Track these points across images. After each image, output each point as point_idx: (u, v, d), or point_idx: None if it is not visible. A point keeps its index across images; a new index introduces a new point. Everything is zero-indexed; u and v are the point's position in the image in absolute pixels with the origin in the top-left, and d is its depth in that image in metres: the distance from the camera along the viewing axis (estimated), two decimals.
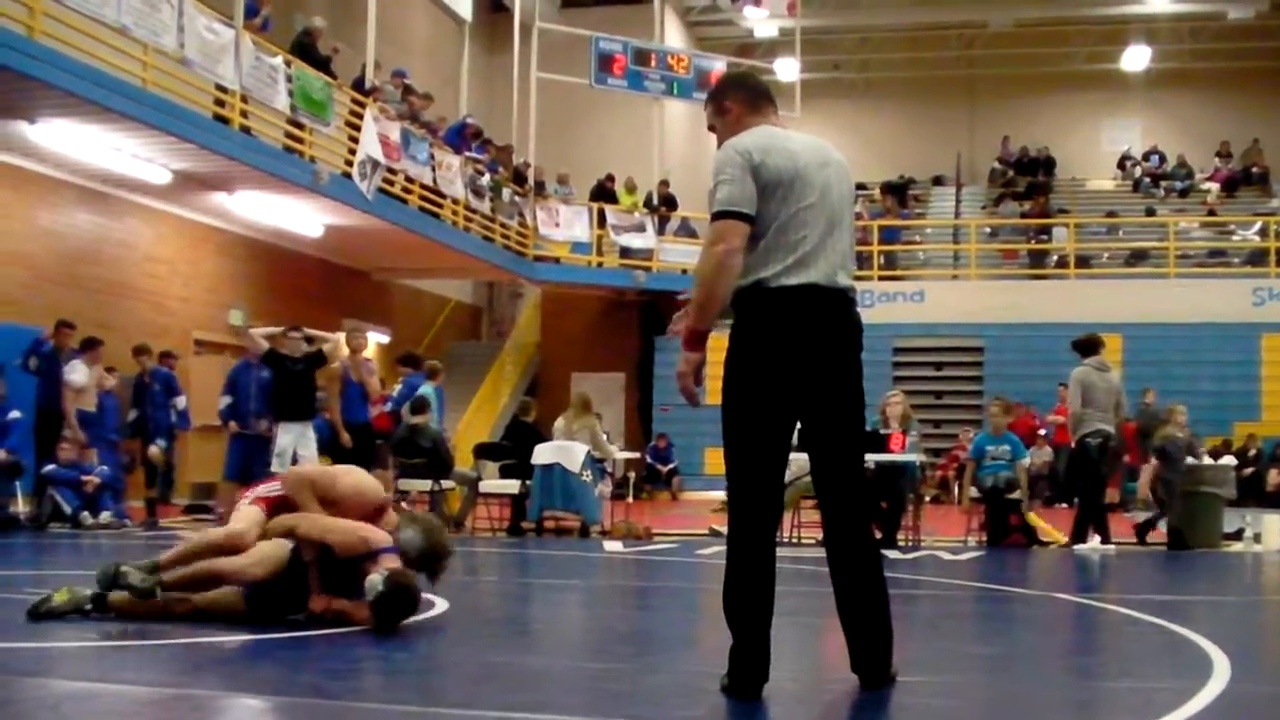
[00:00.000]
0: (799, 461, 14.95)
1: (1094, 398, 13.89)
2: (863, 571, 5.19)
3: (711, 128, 5.56)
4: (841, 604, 5.22)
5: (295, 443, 14.91)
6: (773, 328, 5.11)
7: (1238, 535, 14.68)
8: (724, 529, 15.61)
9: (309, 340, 15.55)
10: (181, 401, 16.55)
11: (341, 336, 16.41)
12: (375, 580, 6.71)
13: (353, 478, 7.41)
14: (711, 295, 5.08)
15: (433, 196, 22.91)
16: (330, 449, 15.99)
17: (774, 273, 5.11)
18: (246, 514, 7.16)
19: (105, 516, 14.84)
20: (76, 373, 15.19)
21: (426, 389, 16.52)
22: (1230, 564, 13.35)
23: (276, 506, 7.24)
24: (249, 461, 15.33)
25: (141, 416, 16.30)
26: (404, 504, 14.91)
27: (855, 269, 5.41)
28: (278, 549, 6.97)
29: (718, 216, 5.09)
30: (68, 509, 14.71)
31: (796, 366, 5.11)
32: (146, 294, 19.93)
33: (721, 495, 21.91)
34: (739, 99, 5.47)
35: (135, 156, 17.38)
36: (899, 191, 36.12)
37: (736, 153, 5.18)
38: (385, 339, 27.11)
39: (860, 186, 35.89)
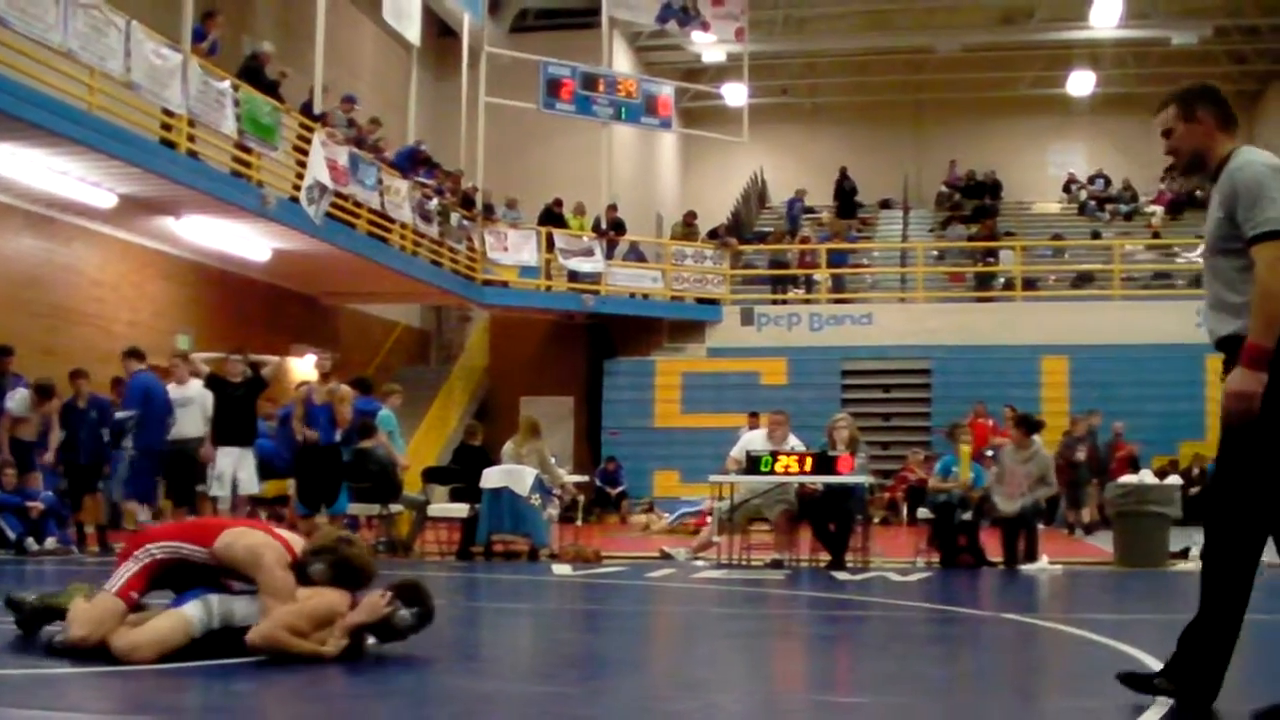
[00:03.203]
0: (748, 484, 14.99)
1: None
2: None
3: (1166, 133, 5.29)
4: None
5: (235, 466, 15.26)
6: None
7: (1183, 554, 14.80)
8: (674, 551, 15.71)
9: (253, 366, 15.60)
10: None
11: (279, 359, 16.32)
12: (405, 615, 6.80)
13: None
14: None
15: (381, 221, 22.83)
16: (292, 471, 15.92)
17: None
18: (96, 613, 6.38)
19: (50, 543, 14.68)
20: (14, 401, 15.03)
21: (385, 412, 16.52)
22: (1176, 583, 13.44)
23: (161, 573, 6.57)
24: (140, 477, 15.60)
25: (72, 440, 15.62)
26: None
27: None
28: (173, 633, 6.29)
29: (1273, 236, 4.85)
30: (11, 535, 14.55)
31: None
32: (93, 319, 19.74)
33: (673, 516, 21.98)
34: (1213, 113, 5.20)
35: (81, 180, 17.24)
36: (848, 201, 36.60)
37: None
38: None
39: (808, 210, 36.10)
